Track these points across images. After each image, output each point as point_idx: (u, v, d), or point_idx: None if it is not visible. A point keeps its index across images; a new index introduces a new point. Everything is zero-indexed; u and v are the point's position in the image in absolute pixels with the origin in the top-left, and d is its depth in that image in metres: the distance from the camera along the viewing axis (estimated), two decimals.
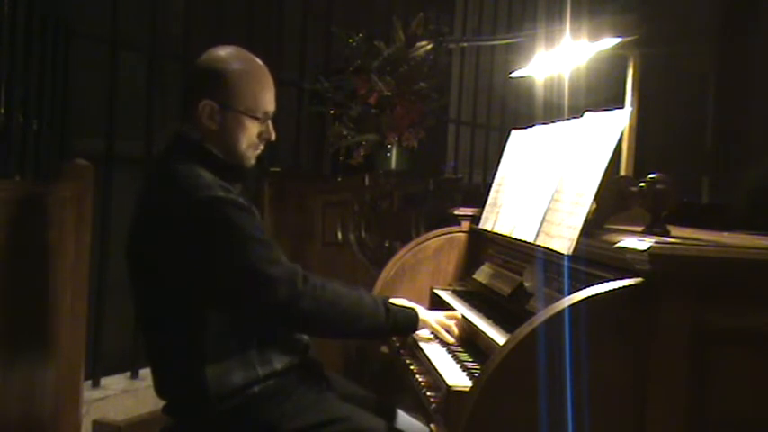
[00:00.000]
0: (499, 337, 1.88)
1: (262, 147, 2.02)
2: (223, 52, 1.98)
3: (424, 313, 2.11)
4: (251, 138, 1.97)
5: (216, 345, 1.85)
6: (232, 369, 1.85)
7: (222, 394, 1.83)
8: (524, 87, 4.01)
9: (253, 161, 2.03)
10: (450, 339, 2.08)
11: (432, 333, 2.14)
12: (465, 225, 2.81)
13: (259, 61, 2.00)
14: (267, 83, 1.99)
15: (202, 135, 1.93)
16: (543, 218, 2.01)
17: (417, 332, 2.12)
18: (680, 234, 1.60)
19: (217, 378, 1.83)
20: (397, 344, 2.25)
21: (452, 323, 2.14)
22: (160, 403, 1.97)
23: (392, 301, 2.08)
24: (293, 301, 1.82)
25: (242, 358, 1.87)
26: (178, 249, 1.83)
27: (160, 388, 1.96)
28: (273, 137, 2.01)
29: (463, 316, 2.17)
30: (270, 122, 2.00)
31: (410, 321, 2.06)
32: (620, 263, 1.50)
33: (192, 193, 1.82)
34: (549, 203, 2.00)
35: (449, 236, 2.80)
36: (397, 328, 2.04)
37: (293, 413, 1.87)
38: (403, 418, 2.19)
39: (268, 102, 1.98)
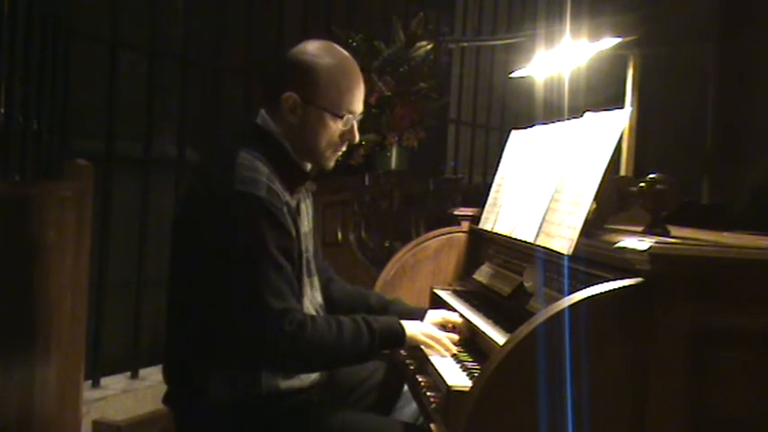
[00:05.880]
0: (499, 337, 1.88)
1: (343, 148, 1.94)
2: (314, 45, 1.90)
3: (412, 328, 1.93)
4: (331, 137, 1.88)
5: (227, 350, 1.76)
6: (238, 379, 1.79)
7: (225, 400, 1.79)
8: (524, 87, 4.01)
9: (332, 163, 1.95)
10: (444, 353, 1.93)
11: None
12: (465, 225, 2.80)
13: (351, 59, 1.92)
14: (356, 81, 1.90)
15: (281, 129, 1.87)
16: (543, 218, 2.01)
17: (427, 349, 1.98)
18: (680, 234, 1.60)
19: (222, 382, 1.78)
20: None
21: (443, 336, 1.98)
22: (160, 403, 1.95)
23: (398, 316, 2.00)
24: (273, 341, 1.68)
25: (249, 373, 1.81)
26: (204, 232, 1.75)
27: (166, 372, 1.90)
28: (357, 139, 1.93)
29: (463, 315, 2.16)
30: (355, 123, 1.92)
31: (396, 339, 1.90)
32: (620, 263, 1.50)
33: (235, 183, 1.73)
34: (549, 203, 2.00)
35: (449, 236, 2.79)
36: (383, 346, 1.90)
37: (295, 421, 1.84)
38: (407, 394, 2.16)
39: (354, 101, 1.90)
